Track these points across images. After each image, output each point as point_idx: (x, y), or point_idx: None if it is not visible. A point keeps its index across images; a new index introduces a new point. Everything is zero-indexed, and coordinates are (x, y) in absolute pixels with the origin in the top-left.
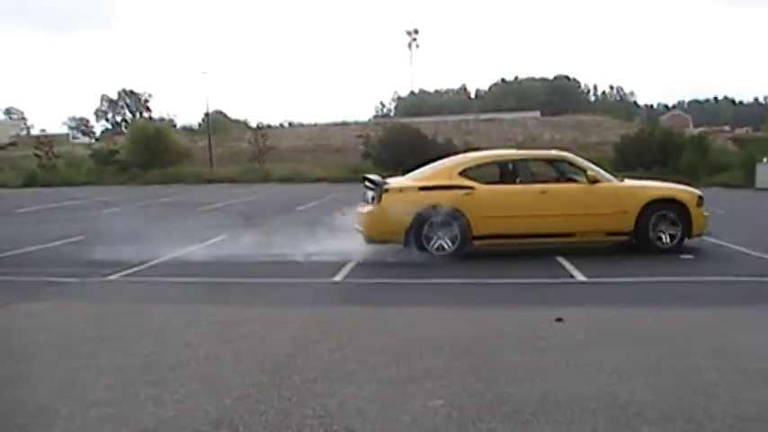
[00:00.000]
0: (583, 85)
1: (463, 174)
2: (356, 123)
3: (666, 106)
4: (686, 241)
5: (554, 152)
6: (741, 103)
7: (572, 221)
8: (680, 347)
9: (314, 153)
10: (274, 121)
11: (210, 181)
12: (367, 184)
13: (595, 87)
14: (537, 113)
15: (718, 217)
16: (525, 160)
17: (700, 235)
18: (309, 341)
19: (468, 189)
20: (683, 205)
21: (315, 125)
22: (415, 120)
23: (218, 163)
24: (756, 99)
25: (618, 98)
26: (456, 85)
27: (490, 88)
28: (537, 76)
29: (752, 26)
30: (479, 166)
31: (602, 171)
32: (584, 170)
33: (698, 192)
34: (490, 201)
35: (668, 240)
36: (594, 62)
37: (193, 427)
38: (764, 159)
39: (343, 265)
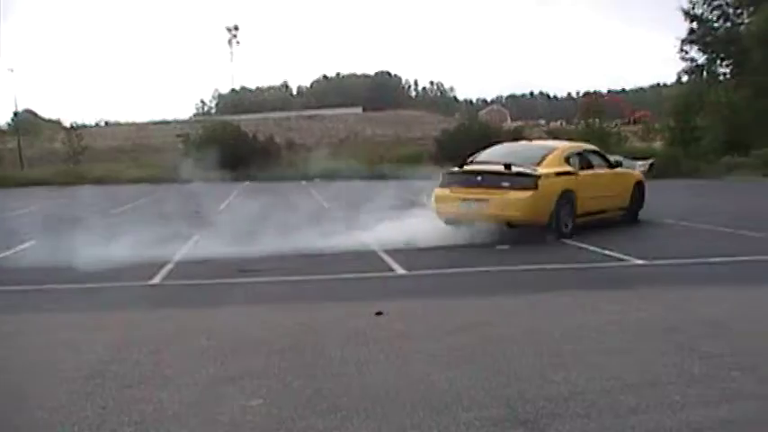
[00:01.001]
0: (404, 81)
1: (567, 161)
2: (177, 122)
3: (485, 101)
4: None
5: (590, 145)
6: (555, 97)
7: (614, 200)
8: (494, 334)
9: (132, 153)
10: (90, 121)
11: (21, 184)
12: (501, 170)
13: (416, 83)
14: (359, 109)
15: None
16: (590, 151)
17: None
18: (125, 346)
19: (575, 174)
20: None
21: (133, 124)
22: (237, 118)
23: (29, 165)
24: (569, 94)
25: (438, 93)
26: (278, 82)
27: (312, 85)
28: (359, 72)
29: (564, 24)
30: (572, 155)
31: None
32: (606, 158)
33: None
34: (588, 184)
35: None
36: (415, 58)
37: None
38: None
39: (162, 267)
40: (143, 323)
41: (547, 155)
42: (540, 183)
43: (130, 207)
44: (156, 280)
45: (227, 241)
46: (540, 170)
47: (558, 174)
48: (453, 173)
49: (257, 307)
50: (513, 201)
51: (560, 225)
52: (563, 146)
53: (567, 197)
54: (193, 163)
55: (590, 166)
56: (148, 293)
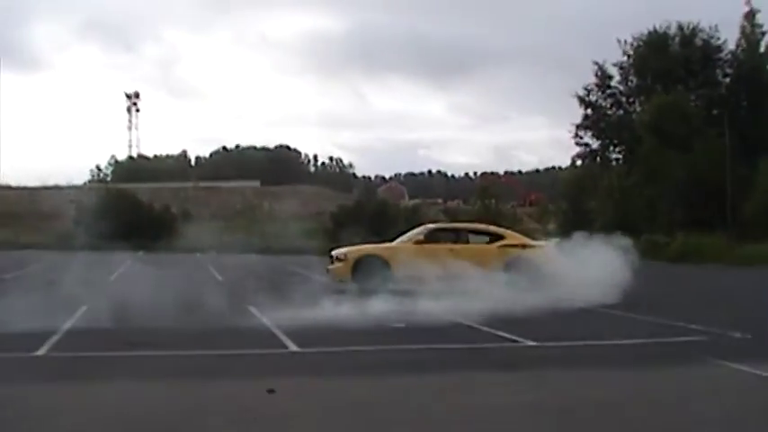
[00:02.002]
0: (303, 156)
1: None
2: (70, 188)
3: (384, 178)
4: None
5: None
6: (453, 177)
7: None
8: (387, 415)
9: (22, 218)
10: None
11: None
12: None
13: (315, 158)
14: (257, 183)
15: None
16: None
17: None
18: (5, 420)
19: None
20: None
21: (25, 188)
22: (133, 186)
23: None
24: (467, 174)
25: (337, 169)
26: (176, 151)
27: (211, 155)
28: (258, 144)
29: (454, 107)
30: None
31: None
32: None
33: None
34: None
35: None
36: (314, 133)
37: None
38: None
39: (49, 336)
40: (19, 398)
41: None
42: None
43: (14, 276)
44: (41, 351)
45: (116, 312)
46: None
47: None
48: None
49: (143, 382)
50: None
51: None
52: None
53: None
54: (86, 230)
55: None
56: (32, 366)
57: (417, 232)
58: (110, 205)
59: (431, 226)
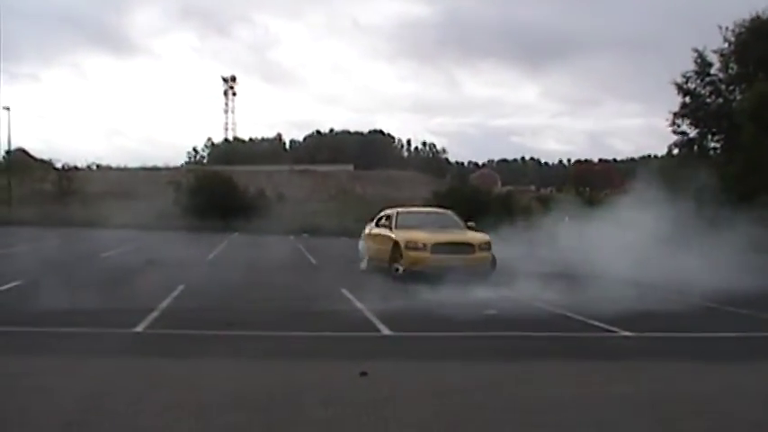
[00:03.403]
0: (396, 141)
1: None
2: (167, 169)
3: (477, 164)
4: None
5: None
6: (546, 164)
7: None
8: (479, 401)
9: (122, 198)
10: (82, 163)
11: (8, 223)
12: None
13: (408, 143)
14: (350, 167)
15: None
16: None
17: None
18: (104, 395)
19: None
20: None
21: (125, 169)
22: (228, 168)
23: (18, 204)
24: (561, 161)
25: (430, 155)
26: (271, 135)
27: (305, 139)
28: (351, 129)
29: (554, 94)
30: None
31: None
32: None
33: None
34: None
35: None
36: (408, 118)
37: None
38: (566, 219)
39: (147, 314)
40: (124, 371)
41: None
42: None
43: (114, 254)
44: (140, 328)
45: (212, 292)
46: None
47: None
48: None
49: (239, 361)
50: None
51: None
52: None
53: None
54: (183, 211)
55: None
56: (131, 341)
57: None
58: (206, 187)
59: None
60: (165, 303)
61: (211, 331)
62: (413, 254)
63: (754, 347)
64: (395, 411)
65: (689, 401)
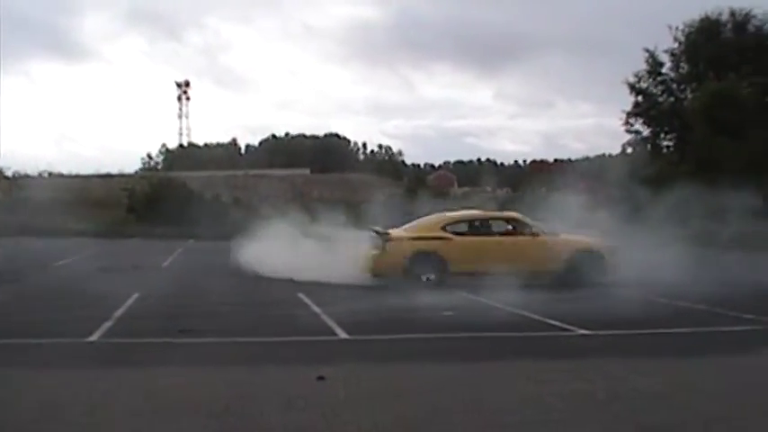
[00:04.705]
0: (352, 144)
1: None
2: (121, 176)
3: (433, 166)
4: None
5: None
6: (502, 164)
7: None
8: (437, 403)
9: (76, 205)
10: (33, 171)
11: None
12: None
13: (364, 146)
14: (306, 171)
15: None
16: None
17: None
18: (60, 406)
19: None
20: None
21: (77, 176)
22: (183, 174)
23: None
24: (516, 162)
25: (386, 158)
26: (226, 140)
27: (260, 144)
28: (307, 132)
29: (508, 95)
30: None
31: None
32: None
33: None
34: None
35: None
36: (363, 122)
37: None
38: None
39: (102, 323)
40: (79, 382)
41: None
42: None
43: (66, 263)
44: (94, 337)
45: (167, 300)
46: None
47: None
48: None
49: (194, 368)
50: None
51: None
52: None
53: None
54: (137, 218)
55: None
56: (85, 351)
57: None
58: (160, 193)
59: None
60: (119, 312)
61: (167, 339)
62: None
63: (708, 342)
64: (353, 415)
65: (645, 397)
